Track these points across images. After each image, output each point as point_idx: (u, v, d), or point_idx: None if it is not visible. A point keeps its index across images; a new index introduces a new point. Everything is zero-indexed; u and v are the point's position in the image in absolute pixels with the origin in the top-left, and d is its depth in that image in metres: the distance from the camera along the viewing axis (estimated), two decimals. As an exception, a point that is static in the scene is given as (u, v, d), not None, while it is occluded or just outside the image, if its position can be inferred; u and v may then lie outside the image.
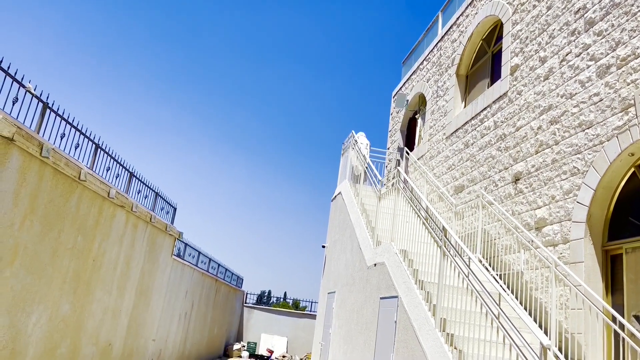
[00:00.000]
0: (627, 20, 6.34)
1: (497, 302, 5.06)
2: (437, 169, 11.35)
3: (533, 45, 8.38)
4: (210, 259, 16.16)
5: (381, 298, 6.85)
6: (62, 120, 6.71)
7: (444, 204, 10.16)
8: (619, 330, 5.28)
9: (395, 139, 15.22)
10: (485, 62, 10.76)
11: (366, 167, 10.26)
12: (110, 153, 8.14)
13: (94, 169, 7.60)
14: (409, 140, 14.61)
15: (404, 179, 7.95)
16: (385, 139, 16.21)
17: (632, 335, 5.32)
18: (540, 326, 6.51)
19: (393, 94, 16.41)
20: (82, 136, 7.16)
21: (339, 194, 11.69)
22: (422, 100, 14.08)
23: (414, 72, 14.56)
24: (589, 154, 6.53)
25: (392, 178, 8.83)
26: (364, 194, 10.09)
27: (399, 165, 13.88)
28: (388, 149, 15.52)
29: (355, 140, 11.55)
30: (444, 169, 10.98)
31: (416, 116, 14.24)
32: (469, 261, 5.32)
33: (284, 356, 18.32)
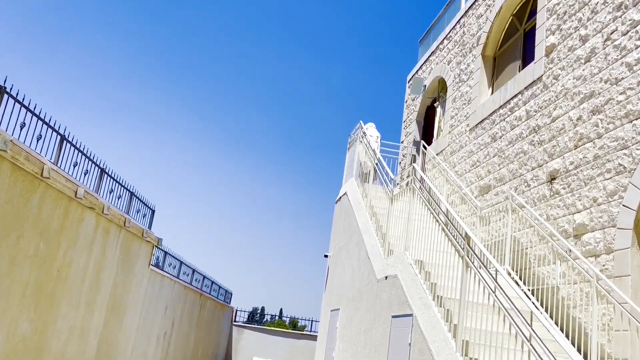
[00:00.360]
0: (683, -7, 6.26)
1: (529, 322, 5.04)
2: (459, 166, 11.37)
3: (572, 21, 8.39)
4: (194, 270, 16.19)
5: (393, 316, 6.85)
6: (22, 108, 6.65)
7: (467, 207, 10.21)
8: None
9: (411, 130, 15.15)
10: (516, 42, 10.76)
11: (376, 164, 10.19)
12: (77, 146, 8.13)
13: (58, 165, 7.60)
14: (427, 133, 14.58)
15: (420, 178, 7.72)
16: (398, 131, 16.13)
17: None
18: (578, 350, 6.51)
19: (408, 79, 16.33)
20: (45, 126, 7.11)
21: (344, 194, 11.69)
22: (442, 85, 13.98)
23: (433, 52, 14.52)
24: (638, 149, 6.53)
25: (407, 176, 8.76)
26: (373, 194, 10.08)
27: (414, 161, 13.92)
28: (402, 142, 15.44)
29: (364, 132, 11.53)
30: (468, 166, 11.00)
31: (435, 104, 14.20)
32: (496, 274, 5.32)
33: (279, 383, 18.42)
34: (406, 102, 16.19)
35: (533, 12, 10.22)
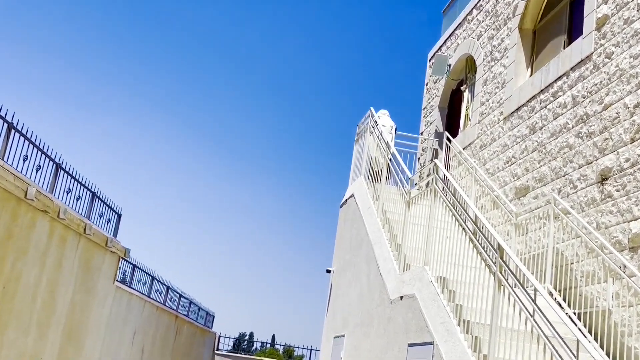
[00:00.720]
0: None
1: (575, 353, 4.93)
2: (491, 162, 11.42)
3: (629, -13, 8.41)
4: (168, 288, 16.21)
5: (409, 345, 6.91)
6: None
7: (500, 213, 10.25)
8: None
9: (432, 120, 15.17)
10: (560, 13, 10.81)
11: (390, 159, 10.18)
12: (28, 136, 8.12)
13: (5, 159, 7.59)
14: (451, 122, 14.60)
15: (443, 177, 7.75)
16: (417, 120, 16.26)
17: None
18: (634, 386, 6.56)
19: (429, 56, 16.33)
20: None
21: (350, 197, 11.75)
22: (470, 65, 13.97)
23: (459, 25, 14.57)
24: None
25: (427, 175, 8.33)
26: (386, 197, 10.11)
27: (436, 157, 13.94)
28: (421, 134, 15.44)
29: (375, 122, 11.54)
30: (501, 163, 11.04)
31: (462, 88, 14.19)
32: (535, 294, 5.34)
33: None
34: (427, 85, 16.15)
35: (581, -23, 10.40)
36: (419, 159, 14.77)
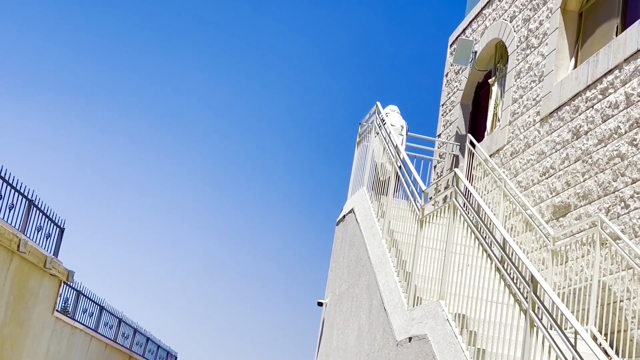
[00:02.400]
0: None
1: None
2: (524, 174, 11.46)
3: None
4: (120, 320, 16.10)
5: (420, 400, 6.85)
6: None
7: (534, 236, 10.32)
8: None
9: (452, 119, 15.13)
10: (613, -9, 10.88)
11: (399, 167, 10.19)
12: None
13: None
14: (476, 123, 14.59)
15: (465, 191, 7.81)
16: (434, 119, 16.48)
17: None
18: None
19: (450, 41, 16.32)
20: None
21: (349, 212, 11.78)
22: (500, 52, 13.92)
23: (488, 4, 14.62)
24: None
25: (445, 188, 8.43)
26: (394, 213, 10.12)
27: (456, 165, 14.01)
28: (439, 136, 15.37)
29: (382, 120, 11.54)
30: (536, 174, 11.08)
31: (490, 81, 14.18)
32: (575, 338, 5.39)
33: None
34: (446, 76, 16.13)
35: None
36: (435, 167, 14.79)
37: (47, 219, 10.97)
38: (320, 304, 12.24)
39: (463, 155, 13.82)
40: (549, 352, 5.53)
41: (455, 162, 14.13)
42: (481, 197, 11.26)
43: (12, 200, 9.80)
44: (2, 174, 9.51)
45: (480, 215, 7.26)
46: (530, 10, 12.66)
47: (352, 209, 11.55)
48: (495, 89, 13.67)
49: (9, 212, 9.68)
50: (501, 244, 6.63)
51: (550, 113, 11.10)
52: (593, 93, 10.06)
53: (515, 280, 6.05)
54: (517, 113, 12.23)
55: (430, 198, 9.46)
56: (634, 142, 8.90)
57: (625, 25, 10.26)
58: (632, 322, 7.94)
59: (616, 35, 10.26)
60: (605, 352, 7.89)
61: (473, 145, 13.06)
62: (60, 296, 11.71)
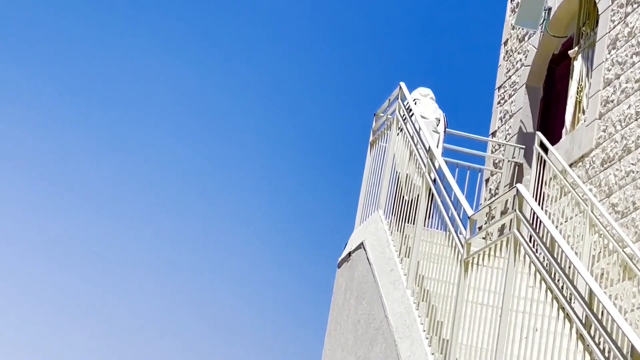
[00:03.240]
0: None
1: None
2: (621, 193, 10.91)
3: None
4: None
5: None
6: None
7: (636, 287, 9.82)
8: None
9: (514, 109, 14.51)
10: None
11: (433, 181, 9.67)
12: None
13: None
14: (549, 116, 14.00)
15: (532, 218, 7.97)
16: (486, 110, 15.74)
17: None
18: None
19: None
20: None
21: (358, 247, 11.20)
22: (587, 11, 13.14)
23: None
24: None
25: (502, 214, 8.63)
26: (425, 250, 9.58)
27: (520, 179, 13.40)
28: (492, 135, 14.91)
29: (409, 109, 10.97)
30: None
31: (570, 53, 13.35)
32: None
33: None
34: (505, 44, 15.37)
35: None
36: (487, 181, 14.11)
37: None
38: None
39: (529, 164, 13.06)
40: None
41: (518, 174, 13.50)
42: (557, 227, 11.16)
43: None
44: None
45: (555, 255, 7.33)
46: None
47: (362, 243, 11.06)
48: (578, 65, 12.77)
49: None
50: (586, 299, 6.48)
51: (665, 101, 10.82)
52: None
53: (607, 353, 5.76)
54: (612, 101, 11.51)
55: (480, 228, 8.94)
56: None
57: None
58: None
59: None
60: None
61: (545, 150, 12.28)
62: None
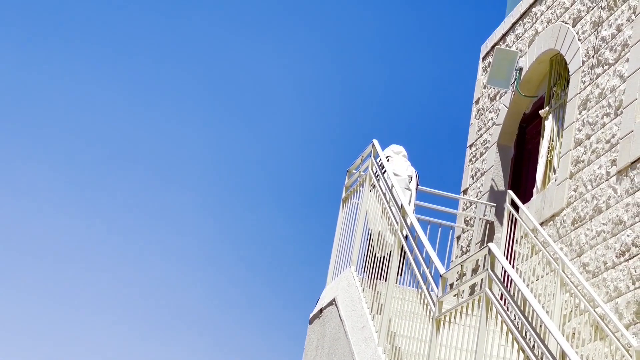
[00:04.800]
0: None
1: None
2: (592, 253, 10.97)
3: None
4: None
5: None
6: None
7: (607, 347, 9.86)
8: None
9: (485, 167, 14.75)
10: None
11: (405, 238, 10.06)
12: None
13: None
14: (520, 174, 14.38)
15: (503, 276, 7.88)
16: (457, 168, 16.12)
17: None
18: None
19: (483, 53, 16.04)
20: None
21: (330, 304, 11.53)
22: (557, 70, 13.51)
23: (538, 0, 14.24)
24: None
25: (473, 271, 8.62)
26: (397, 308, 9.90)
27: (491, 238, 13.60)
28: (464, 192, 15.22)
29: (381, 166, 11.34)
30: (611, 254, 10.57)
31: (541, 112, 13.67)
32: None
33: None
34: (476, 103, 15.77)
35: None
36: (458, 238, 14.44)
37: None
38: None
39: (501, 223, 13.43)
40: None
41: (490, 232, 13.78)
42: (528, 286, 11.61)
43: None
44: None
45: (527, 314, 7.40)
46: (604, 9, 12.30)
47: (334, 300, 11.34)
48: (549, 125, 13.03)
49: None
50: (558, 359, 6.80)
51: (633, 163, 10.65)
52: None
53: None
54: (583, 161, 11.73)
55: (452, 286, 9.27)
56: None
57: None
58: None
59: None
60: None
61: (516, 208, 12.58)
62: None
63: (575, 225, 11.44)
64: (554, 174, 12.59)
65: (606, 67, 11.79)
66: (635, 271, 9.99)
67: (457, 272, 9.91)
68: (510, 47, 14.68)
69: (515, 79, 13.96)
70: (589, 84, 12.10)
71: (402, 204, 10.19)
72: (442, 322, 8.31)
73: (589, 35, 12.41)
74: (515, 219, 12.45)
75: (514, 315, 7.13)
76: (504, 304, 7.41)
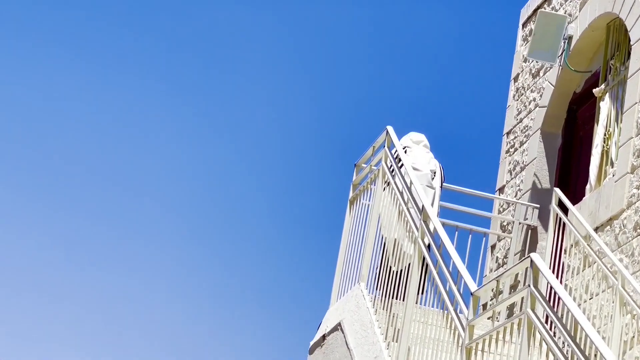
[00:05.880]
0: None
1: None
2: None
3: None
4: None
5: None
6: None
7: None
8: None
9: (526, 159, 14.47)
10: None
11: (428, 247, 9.78)
12: None
13: None
14: (570, 168, 14.09)
15: (548, 293, 8.73)
16: (491, 162, 15.80)
17: None
18: None
19: (522, 19, 15.71)
20: None
21: (334, 329, 11.32)
22: (615, 40, 13.10)
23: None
24: None
25: (512, 288, 9.94)
26: (418, 333, 9.63)
27: (533, 246, 13.36)
28: (499, 192, 14.94)
29: (398, 159, 11.09)
30: None
31: (595, 91, 13.13)
32: None
33: None
34: (515, 80, 15.45)
35: None
36: (492, 247, 14.15)
37: None
38: None
39: (545, 229, 13.06)
40: None
41: (532, 240, 13.34)
42: (580, 306, 11.31)
43: None
44: None
45: (578, 341, 7.36)
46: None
47: (340, 324, 11.11)
48: (605, 107, 12.64)
49: None
50: None
51: None
52: None
53: None
54: None
55: (485, 306, 9.74)
56: None
57: None
58: None
59: None
60: None
61: (565, 210, 12.24)
62: None
63: (638, 230, 10.93)
64: (612, 167, 12.07)
65: (678, 34, 11.58)
66: None
67: (492, 290, 9.38)
68: (557, 11, 14.20)
69: (564, 50, 13.53)
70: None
71: (423, 206, 9.87)
72: (473, 351, 7.94)
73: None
74: (564, 224, 12.00)
75: (563, 342, 6.87)
76: (550, 329, 7.05)
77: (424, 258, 9.56)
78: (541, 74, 14.49)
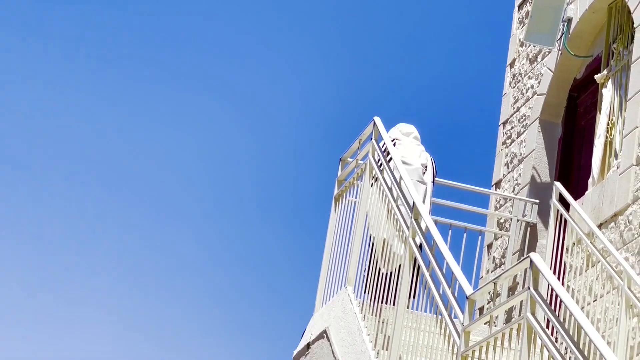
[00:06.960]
0: None
1: None
2: None
3: None
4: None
5: None
6: None
7: None
8: None
9: (524, 152, 14.67)
10: None
11: (419, 248, 9.92)
12: None
13: None
14: (571, 160, 14.23)
15: (549, 296, 8.58)
16: (487, 154, 15.50)
17: None
18: None
19: (518, 1, 15.87)
20: None
21: (319, 337, 11.47)
22: (618, 22, 13.15)
23: None
24: None
25: (510, 291, 9.89)
26: (409, 340, 9.85)
27: (532, 245, 13.53)
28: (495, 186, 15.08)
29: (386, 152, 11.22)
30: None
31: (597, 77, 13.17)
32: None
33: None
34: (511, 66, 15.73)
35: None
36: (489, 247, 14.25)
37: None
38: None
39: (546, 226, 13.19)
40: None
41: (531, 239, 13.53)
42: (583, 309, 11.39)
43: None
44: None
45: (581, 346, 7.75)
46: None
47: (325, 331, 11.31)
48: (608, 94, 12.74)
49: None
50: None
51: None
52: None
53: None
54: None
55: (481, 311, 10.63)
56: None
57: None
58: None
59: None
60: None
61: (566, 206, 12.28)
62: None
63: (652, 230, 10.93)
64: (616, 159, 12.17)
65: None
66: None
67: (489, 293, 9.87)
68: (557, -7, 14.53)
69: (563, 34, 13.68)
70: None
71: (414, 202, 9.97)
72: (469, 359, 8.07)
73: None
74: (565, 221, 12.06)
75: (565, 348, 7.14)
76: (552, 334, 7.32)
77: (415, 259, 9.69)
78: (539, 59, 14.69)
